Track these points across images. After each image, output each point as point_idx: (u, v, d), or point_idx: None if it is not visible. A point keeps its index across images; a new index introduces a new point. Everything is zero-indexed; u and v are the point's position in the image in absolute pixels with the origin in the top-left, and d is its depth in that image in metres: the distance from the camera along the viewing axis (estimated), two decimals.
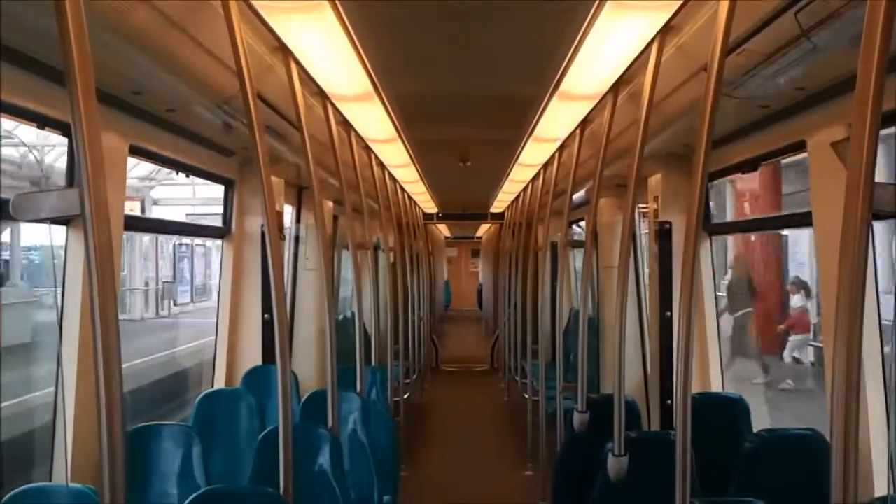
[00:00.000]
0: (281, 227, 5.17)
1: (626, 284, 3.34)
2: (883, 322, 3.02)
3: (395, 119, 4.41)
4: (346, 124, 4.49)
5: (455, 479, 6.88)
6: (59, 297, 3.07)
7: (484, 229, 18.99)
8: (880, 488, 2.83)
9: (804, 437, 3.09)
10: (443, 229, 19.44)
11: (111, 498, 1.57)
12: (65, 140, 2.96)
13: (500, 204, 11.32)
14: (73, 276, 3.06)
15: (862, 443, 2.76)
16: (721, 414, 3.76)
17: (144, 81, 2.90)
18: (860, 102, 1.46)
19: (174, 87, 2.98)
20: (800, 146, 3.38)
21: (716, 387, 4.63)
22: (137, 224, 3.98)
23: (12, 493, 2.44)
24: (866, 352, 2.91)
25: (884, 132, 1.53)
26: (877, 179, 1.45)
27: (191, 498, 2.47)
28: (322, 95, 3.77)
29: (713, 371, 4.65)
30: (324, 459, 3.14)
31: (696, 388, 4.50)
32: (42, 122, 2.79)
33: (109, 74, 2.72)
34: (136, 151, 3.54)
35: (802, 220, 3.64)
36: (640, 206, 5.43)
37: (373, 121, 4.49)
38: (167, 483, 3.19)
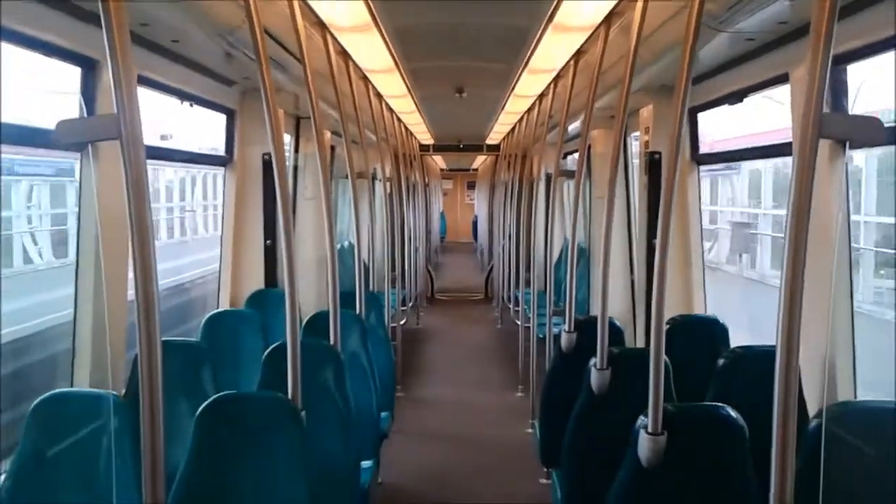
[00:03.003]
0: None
1: (613, 210, 3.49)
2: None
3: (392, 49, 4.49)
4: (344, 54, 4.57)
5: (448, 400, 7.16)
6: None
7: (480, 161, 19.02)
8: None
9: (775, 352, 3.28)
10: (439, 161, 19.46)
11: (150, 405, 1.77)
12: None
13: (495, 136, 11.37)
14: (87, 200, 3.20)
15: (823, 354, 2.98)
16: (701, 334, 3.96)
17: (153, 13, 3.00)
18: (815, 40, 1.62)
19: (180, 18, 3.08)
20: (783, 79, 3.50)
21: (699, 310, 4.84)
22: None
23: (41, 398, 2.63)
24: (838, 272, 3.09)
25: None
26: None
27: (206, 403, 2.67)
28: (321, 26, 3.85)
29: (696, 295, 4.85)
30: (327, 373, 3.33)
31: (679, 311, 4.71)
32: (60, 54, 2.90)
33: None
34: (142, 81, 3.65)
35: (783, 150, 3.78)
36: (635, 136, 5.55)
37: (371, 51, 4.57)
38: (179, 395, 3.38)
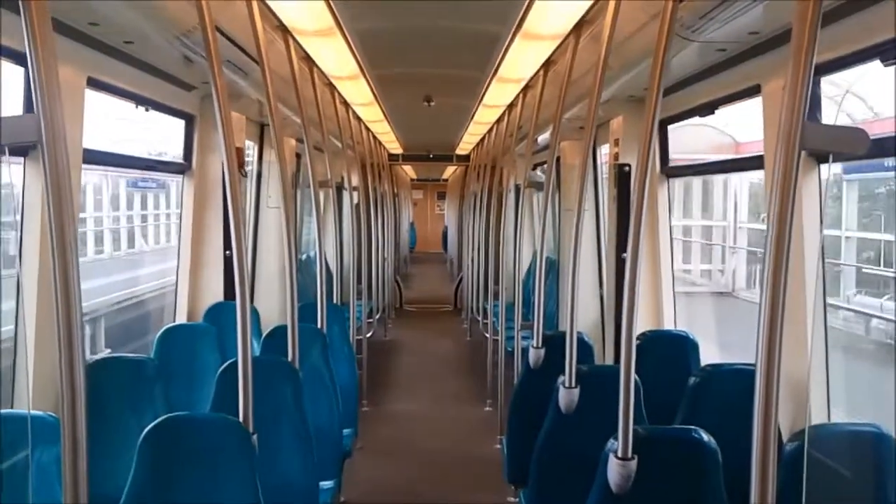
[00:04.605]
0: (242, 164, 5.14)
1: (582, 224, 3.41)
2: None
3: (357, 55, 4.39)
4: (308, 60, 4.45)
5: (416, 415, 7.04)
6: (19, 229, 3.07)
7: (450, 171, 18.96)
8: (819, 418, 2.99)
9: (748, 371, 3.21)
10: (408, 171, 19.38)
11: (72, 427, 1.63)
12: None
13: (465, 146, 11.31)
14: (31, 209, 3.05)
15: (801, 376, 2.91)
16: (671, 350, 3.89)
17: (102, 12, 2.85)
18: (797, 49, 1.54)
19: (132, 18, 2.94)
20: (755, 90, 3.44)
21: (668, 325, 4.77)
22: (96, 158, 3.93)
23: None
24: (809, 289, 3.03)
25: None
26: None
27: (151, 425, 2.52)
28: (283, 30, 3.74)
29: (666, 309, 4.79)
30: (283, 391, 3.20)
31: (649, 325, 4.64)
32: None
33: (66, 4, 2.68)
34: (94, 84, 3.49)
35: (755, 164, 3.73)
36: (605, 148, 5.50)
37: (335, 57, 4.45)
38: (128, 414, 3.22)
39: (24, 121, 1.55)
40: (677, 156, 4.78)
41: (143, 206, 14.82)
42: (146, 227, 14.79)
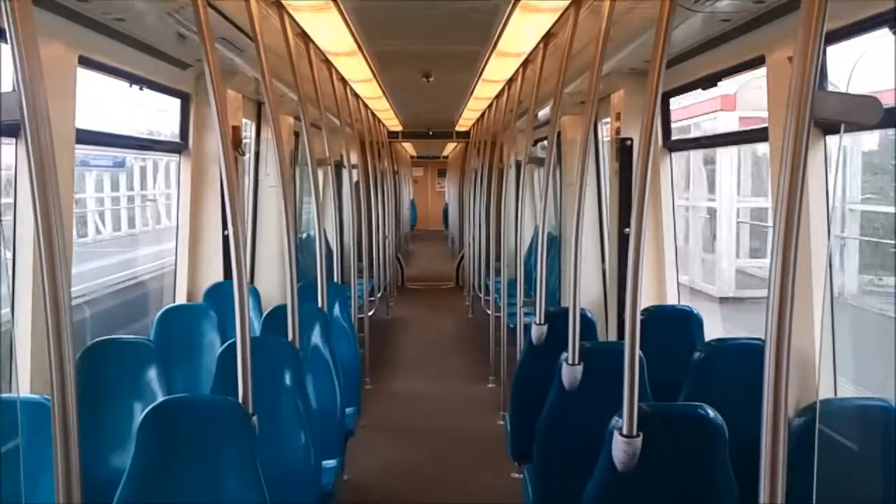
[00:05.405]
0: (239, 143, 5.08)
1: (583, 199, 3.36)
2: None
3: (354, 31, 4.32)
4: (303, 36, 4.38)
5: (418, 392, 7.04)
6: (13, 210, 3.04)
7: (450, 148, 18.86)
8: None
9: (753, 346, 3.19)
10: (408, 148, 19.27)
11: (62, 410, 1.60)
12: None
13: (465, 122, 11.22)
14: (24, 190, 3.01)
15: (807, 351, 2.88)
16: (674, 325, 3.86)
17: None
18: (806, 17, 1.49)
19: None
20: (759, 61, 3.38)
21: (671, 300, 4.74)
22: (89, 137, 3.88)
23: None
24: (815, 264, 2.99)
25: None
26: None
27: (149, 408, 2.49)
28: (278, 5, 3.67)
29: (669, 285, 4.75)
30: (284, 371, 3.17)
31: (651, 301, 4.60)
32: None
33: None
34: (85, 62, 3.43)
35: (760, 136, 3.67)
36: (605, 122, 5.44)
37: (331, 32, 4.38)
38: (126, 397, 3.20)
39: (6, 98, 1.50)
40: (753, 114, 4.46)
41: (99, 188, 13.79)
42: (103, 212, 13.73)
